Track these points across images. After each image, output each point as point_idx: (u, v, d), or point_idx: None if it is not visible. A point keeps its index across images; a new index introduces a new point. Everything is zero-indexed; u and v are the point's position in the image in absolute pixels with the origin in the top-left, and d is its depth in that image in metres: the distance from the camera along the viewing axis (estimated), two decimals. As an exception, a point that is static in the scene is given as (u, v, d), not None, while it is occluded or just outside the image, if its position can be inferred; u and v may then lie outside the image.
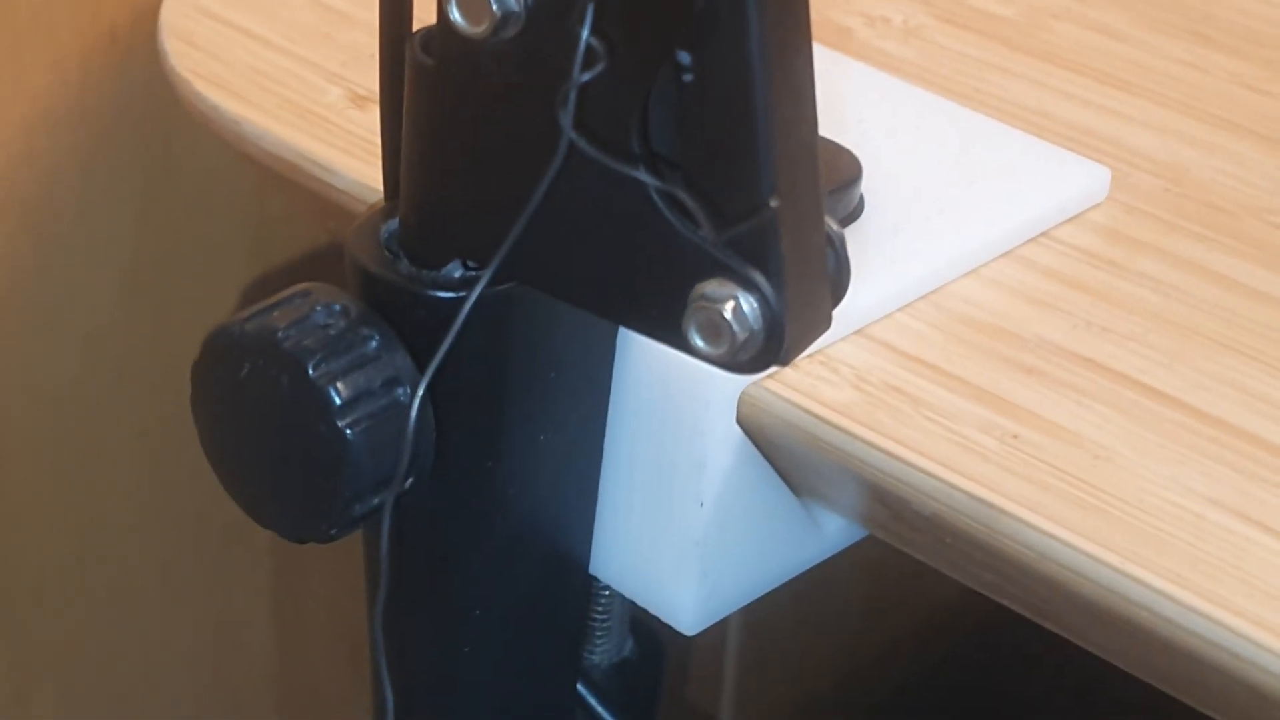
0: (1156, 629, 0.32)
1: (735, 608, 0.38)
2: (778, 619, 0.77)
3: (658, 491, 0.36)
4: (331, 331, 0.32)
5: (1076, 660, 0.83)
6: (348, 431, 0.32)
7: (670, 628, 0.38)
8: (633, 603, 0.41)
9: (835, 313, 0.32)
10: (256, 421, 0.33)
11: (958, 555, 0.35)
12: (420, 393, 0.32)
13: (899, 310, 0.37)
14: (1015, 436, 0.34)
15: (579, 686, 0.40)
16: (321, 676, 0.58)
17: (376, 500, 0.33)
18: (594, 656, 0.40)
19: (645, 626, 0.41)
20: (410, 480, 0.33)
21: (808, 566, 0.39)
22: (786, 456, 0.36)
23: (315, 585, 0.56)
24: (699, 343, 0.32)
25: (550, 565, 0.37)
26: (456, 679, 0.38)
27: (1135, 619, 0.32)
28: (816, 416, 0.35)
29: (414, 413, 0.32)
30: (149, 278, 0.49)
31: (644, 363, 0.35)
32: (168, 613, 0.53)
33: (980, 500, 0.33)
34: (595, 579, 0.38)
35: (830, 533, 0.39)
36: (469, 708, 0.38)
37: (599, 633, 0.40)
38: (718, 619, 0.38)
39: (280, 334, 0.32)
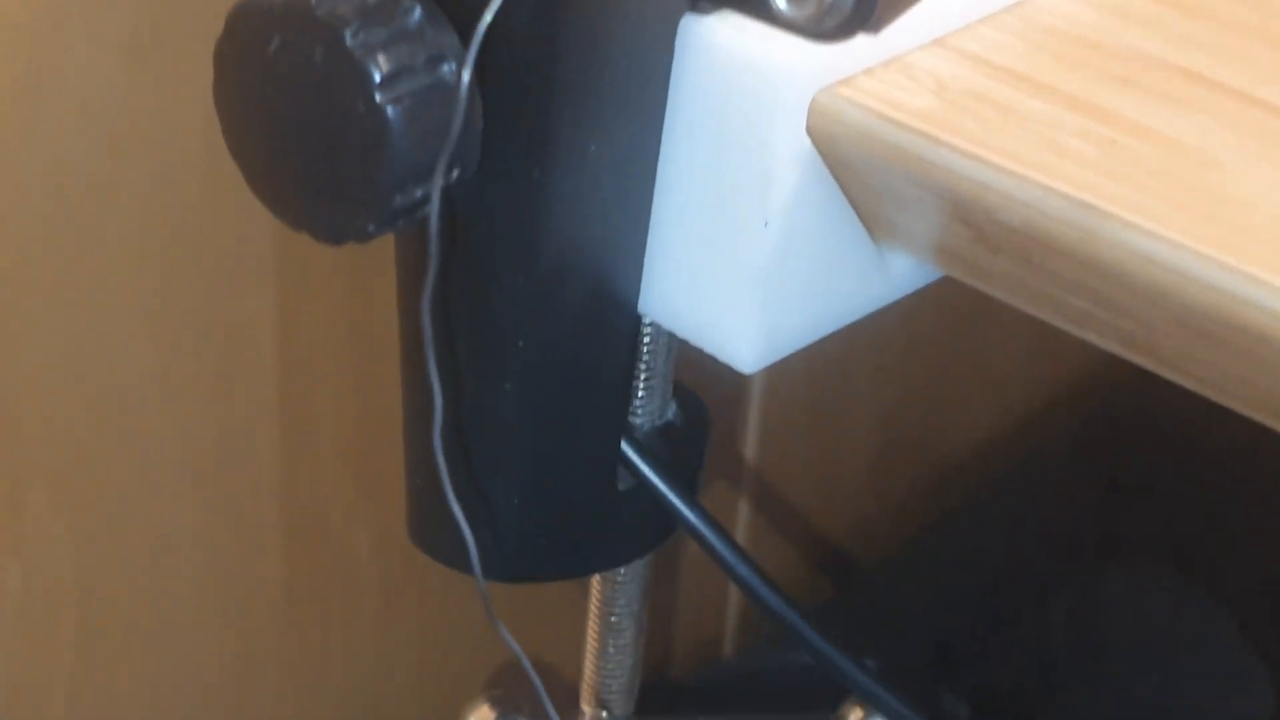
0: (1272, 334, 0.29)
1: (795, 348, 0.35)
2: (789, 467, 0.75)
3: (717, 214, 0.33)
4: (370, 1, 0.29)
5: (1087, 515, 0.81)
6: (388, 109, 0.29)
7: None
8: (676, 368, 0.38)
9: (912, 20, 0.30)
10: (287, 105, 0.30)
11: (1044, 278, 0.32)
12: (467, 71, 0.29)
13: (981, 21, 0.34)
14: (1113, 143, 0.32)
15: (623, 443, 0.37)
16: (327, 493, 0.55)
17: (419, 192, 0.30)
18: (637, 419, 0.38)
19: (688, 392, 0.39)
20: (456, 173, 0.30)
21: (871, 309, 0.36)
22: (859, 174, 0.33)
23: (323, 396, 0.53)
24: (781, 4, 0.29)
25: (597, 300, 0.34)
26: (498, 420, 0.35)
27: (1248, 324, 0.29)
28: (894, 123, 0.32)
29: (461, 92, 0.29)
30: (151, 44, 0.45)
31: (706, 67, 0.32)
32: (167, 416, 0.50)
33: (1077, 202, 0.30)
34: (644, 319, 0.36)
35: (898, 274, 0.36)
36: (511, 453, 0.35)
37: (641, 393, 0.38)
38: (777, 358, 0.35)
39: (314, 1, 0.29)
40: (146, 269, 0.48)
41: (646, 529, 0.39)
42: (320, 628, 0.57)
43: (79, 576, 0.50)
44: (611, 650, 0.42)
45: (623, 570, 0.41)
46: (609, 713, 0.44)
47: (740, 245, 0.33)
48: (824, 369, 0.74)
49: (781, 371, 0.72)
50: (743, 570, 0.38)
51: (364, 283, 0.52)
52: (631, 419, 0.38)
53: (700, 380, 0.39)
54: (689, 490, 0.38)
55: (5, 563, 0.48)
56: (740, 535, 0.73)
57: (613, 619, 0.42)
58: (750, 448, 0.72)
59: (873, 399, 0.78)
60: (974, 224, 0.32)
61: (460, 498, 0.33)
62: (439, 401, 0.31)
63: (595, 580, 0.42)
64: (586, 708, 0.44)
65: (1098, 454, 0.86)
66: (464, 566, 0.34)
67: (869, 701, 0.42)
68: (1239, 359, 0.30)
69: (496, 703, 0.46)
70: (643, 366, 0.37)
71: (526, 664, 0.35)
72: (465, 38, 0.30)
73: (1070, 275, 0.32)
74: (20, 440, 0.47)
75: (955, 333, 0.80)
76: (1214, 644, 0.68)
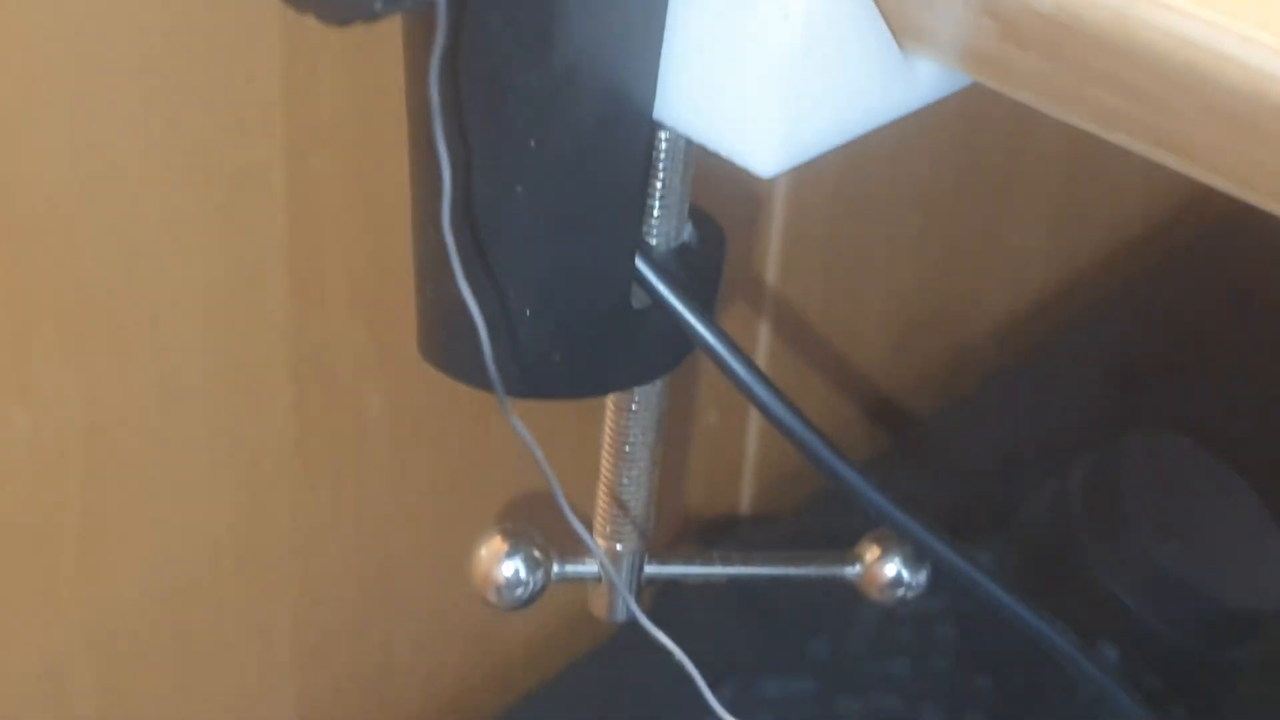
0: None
1: (814, 153, 0.34)
2: (803, 356, 0.74)
3: (736, 6, 0.32)
4: None
5: (1106, 396, 0.80)
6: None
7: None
8: (692, 188, 0.38)
9: None
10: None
11: (1074, 73, 0.31)
12: None
13: None
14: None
15: (638, 260, 0.36)
16: (338, 346, 0.54)
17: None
18: (652, 240, 0.37)
19: (705, 215, 0.38)
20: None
21: (894, 117, 0.35)
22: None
23: (333, 246, 0.52)
24: None
25: (611, 101, 0.34)
26: (509, 225, 0.34)
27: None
28: (920, -92, 0.31)
29: None
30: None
31: None
32: (174, 260, 0.49)
33: (1112, -19, 0.29)
34: (660, 129, 0.35)
35: (922, 80, 0.35)
36: (522, 260, 0.35)
37: (657, 212, 0.37)
38: (796, 163, 0.34)
39: None
40: (153, 108, 0.47)
41: (663, 349, 0.38)
42: (331, 483, 0.56)
43: (87, 421, 0.49)
44: (625, 482, 0.42)
45: (637, 398, 0.40)
46: (622, 546, 0.43)
47: (759, 38, 0.32)
48: (839, 252, 0.73)
49: (796, 254, 0.71)
50: (760, 391, 0.37)
51: (374, 129, 0.51)
52: (647, 239, 0.37)
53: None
54: (705, 310, 0.37)
55: (12, 407, 0.48)
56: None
57: (626, 449, 0.41)
58: (762, 348, 0.72)
59: (889, 279, 0.77)
60: (1003, 15, 0.31)
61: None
62: (448, 175, 0.30)
63: (609, 410, 0.41)
64: (600, 541, 0.43)
65: (1117, 336, 0.85)
66: (476, 376, 0.34)
67: (890, 523, 0.42)
68: (1274, 146, 0.29)
69: (508, 535, 0.46)
70: (658, 183, 0.36)
71: (540, 456, 0.35)
72: None
73: (1102, 66, 0.31)
74: (27, 280, 0.47)
75: (972, 213, 0.80)
76: (1234, 514, 0.67)
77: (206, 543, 0.54)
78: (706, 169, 0.36)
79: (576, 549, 0.44)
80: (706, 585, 0.70)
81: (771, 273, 0.68)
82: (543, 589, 0.46)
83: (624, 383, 0.39)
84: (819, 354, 0.74)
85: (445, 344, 0.38)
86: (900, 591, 0.49)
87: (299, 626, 0.58)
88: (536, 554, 0.45)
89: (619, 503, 0.43)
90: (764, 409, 0.36)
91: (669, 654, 0.67)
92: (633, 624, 0.69)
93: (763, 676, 0.67)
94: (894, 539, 0.48)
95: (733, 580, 0.48)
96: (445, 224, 0.30)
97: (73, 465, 0.50)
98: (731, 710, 0.65)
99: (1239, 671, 0.67)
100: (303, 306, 0.52)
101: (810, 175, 0.65)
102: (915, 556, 0.48)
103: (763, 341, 0.70)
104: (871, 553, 0.48)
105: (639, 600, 0.46)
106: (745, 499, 0.76)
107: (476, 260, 0.33)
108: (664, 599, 0.71)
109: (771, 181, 0.64)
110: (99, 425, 0.50)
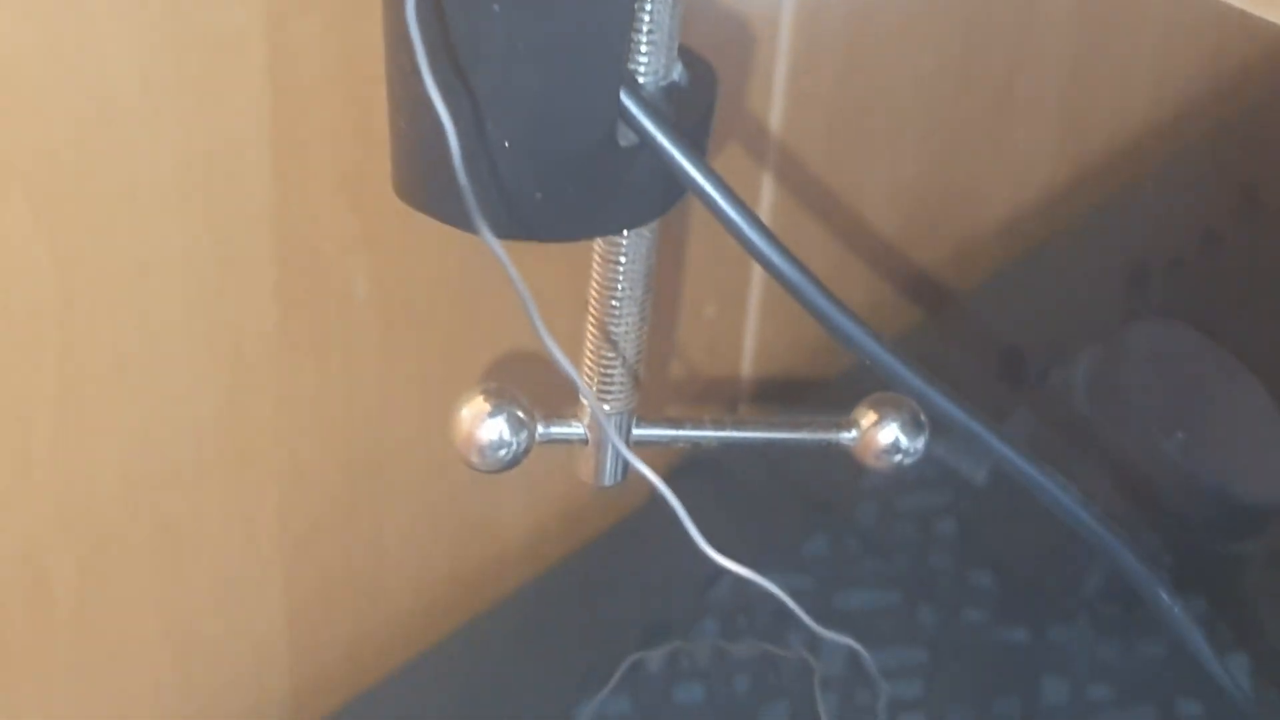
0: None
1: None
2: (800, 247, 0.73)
3: None
4: None
5: (1109, 294, 0.79)
6: None
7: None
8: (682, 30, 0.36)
9: None
10: None
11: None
12: None
13: None
14: None
15: (623, 95, 0.34)
16: (322, 224, 0.53)
17: None
18: (640, 77, 0.35)
19: (695, 53, 0.36)
20: None
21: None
22: None
23: (316, 118, 0.51)
24: None
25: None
26: (487, 48, 0.32)
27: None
28: None
29: None
30: None
31: None
32: (150, 130, 0.48)
33: None
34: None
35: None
36: (500, 88, 0.33)
37: (645, 48, 0.35)
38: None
39: None
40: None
41: (651, 191, 0.37)
42: (316, 367, 0.55)
43: (61, 296, 0.48)
44: (613, 338, 0.40)
45: (625, 250, 0.38)
46: (610, 405, 0.42)
47: None
48: (838, 146, 0.71)
49: (794, 145, 0.69)
50: (748, 230, 0.35)
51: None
52: (634, 76, 0.35)
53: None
54: (695, 149, 0.35)
55: (-17, 281, 0.46)
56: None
57: (613, 303, 0.40)
58: (766, 206, 0.70)
59: (890, 173, 0.75)
60: None
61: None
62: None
63: (595, 262, 0.39)
64: (587, 401, 0.42)
65: (1124, 233, 0.83)
66: (451, 209, 0.32)
67: (890, 376, 0.40)
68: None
69: (491, 395, 0.44)
70: (646, 16, 0.35)
71: (521, 286, 0.33)
72: None
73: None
74: (-5, 146, 0.45)
75: (975, 106, 0.78)
76: (1241, 406, 0.66)
77: (187, 426, 0.53)
78: (703, 10, 0.35)
79: (562, 411, 0.43)
80: (704, 484, 0.69)
81: (775, 122, 0.66)
82: (527, 450, 0.45)
83: (610, 226, 0.37)
84: (821, 227, 0.73)
85: (420, 176, 0.36)
86: (897, 458, 0.47)
87: (285, 515, 0.57)
88: (520, 415, 0.44)
89: (605, 360, 0.41)
90: (752, 249, 0.35)
91: (663, 547, 0.66)
92: (626, 521, 0.68)
93: (760, 574, 0.65)
94: (891, 404, 0.46)
95: (725, 444, 0.47)
96: (411, 19, 0.28)
97: (47, 341, 0.48)
98: (727, 607, 0.65)
99: (1248, 564, 0.66)
100: (285, 183, 0.51)
101: (814, 36, 0.64)
102: (913, 422, 0.46)
103: (766, 199, 0.69)
104: (868, 418, 0.46)
105: (625, 466, 0.45)
106: (743, 396, 0.75)
107: (450, 80, 0.32)
108: (659, 503, 0.69)
109: (774, 35, 0.63)
110: (73, 300, 0.48)
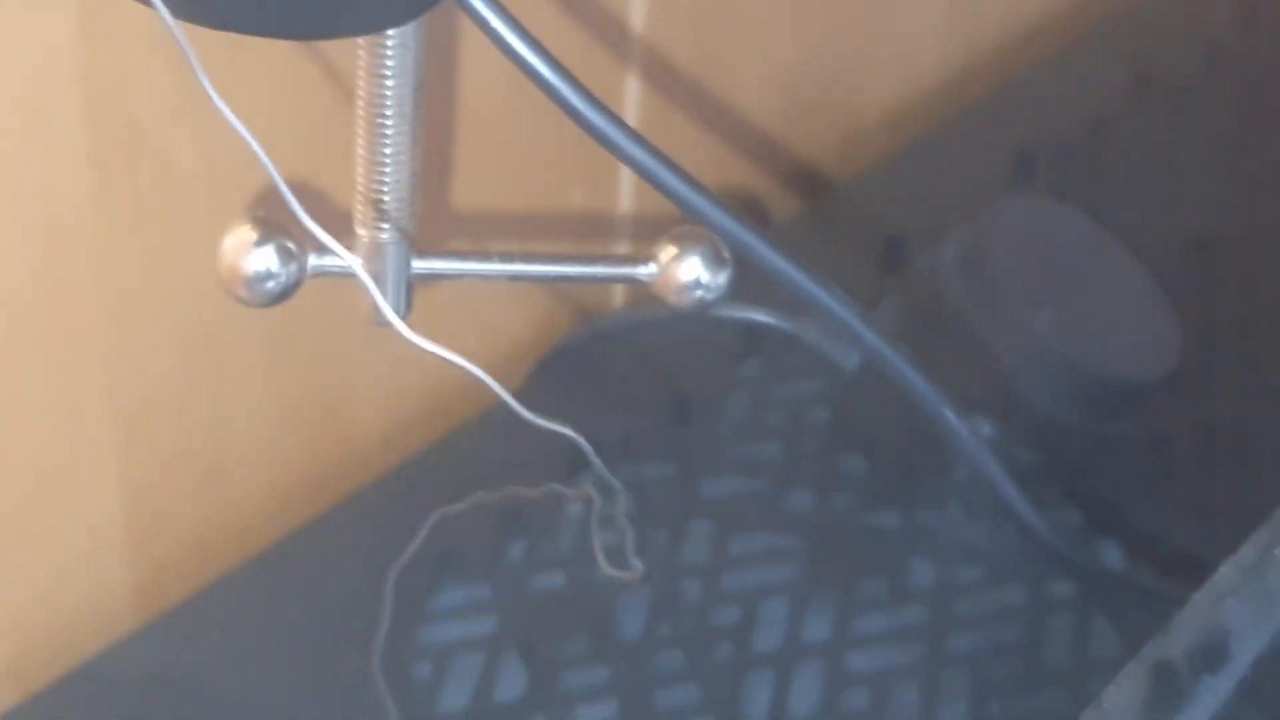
0: None
1: None
2: (673, 130, 0.71)
3: None
4: None
5: (998, 182, 0.77)
6: None
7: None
8: None
9: None
10: None
11: None
12: None
13: None
14: None
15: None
16: (137, 86, 0.50)
17: None
18: None
19: None
20: None
21: None
22: None
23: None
24: None
25: None
26: None
27: None
28: None
29: None
30: None
31: None
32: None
33: None
34: None
35: None
36: None
37: None
38: None
39: None
40: None
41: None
42: (139, 240, 0.53)
43: None
44: (383, 159, 0.38)
45: (390, 61, 0.36)
46: (385, 234, 0.40)
47: None
48: (708, 36, 0.69)
49: (659, 39, 0.67)
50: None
51: None
52: None
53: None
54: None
55: None
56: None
57: (381, 122, 0.37)
58: (631, 105, 0.68)
59: (767, 50, 0.73)
60: None
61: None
62: None
63: (360, 79, 0.37)
64: (361, 230, 0.40)
65: (1014, 121, 0.82)
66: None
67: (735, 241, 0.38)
68: None
69: (259, 224, 0.42)
70: None
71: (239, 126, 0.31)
72: None
73: None
74: None
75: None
76: (1117, 285, 0.64)
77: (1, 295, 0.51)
78: None
79: (341, 241, 0.41)
80: (571, 375, 0.67)
81: (637, 19, 0.64)
82: (297, 283, 0.43)
83: (357, 24, 0.35)
84: (695, 122, 0.71)
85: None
86: (699, 294, 0.45)
87: (114, 395, 0.55)
88: (290, 245, 0.42)
89: (378, 183, 0.39)
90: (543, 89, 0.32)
91: (532, 433, 0.64)
92: (500, 407, 0.66)
93: (626, 461, 0.64)
94: (692, 238, 0.44)
95: (514, 278, 0.45)
96: None
97: None
98: (597, 490, 0.63)
99: (1120, 446, 0.64)
100: (92, 38, 0.48)
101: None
102: (715, 257, 0.44)
103: (631, 98, 0.66)
104: (668, 252, 0.44)
105: (409, 299, 0.43)
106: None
107: None
108: (533, 389, 0.68)
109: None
110: None
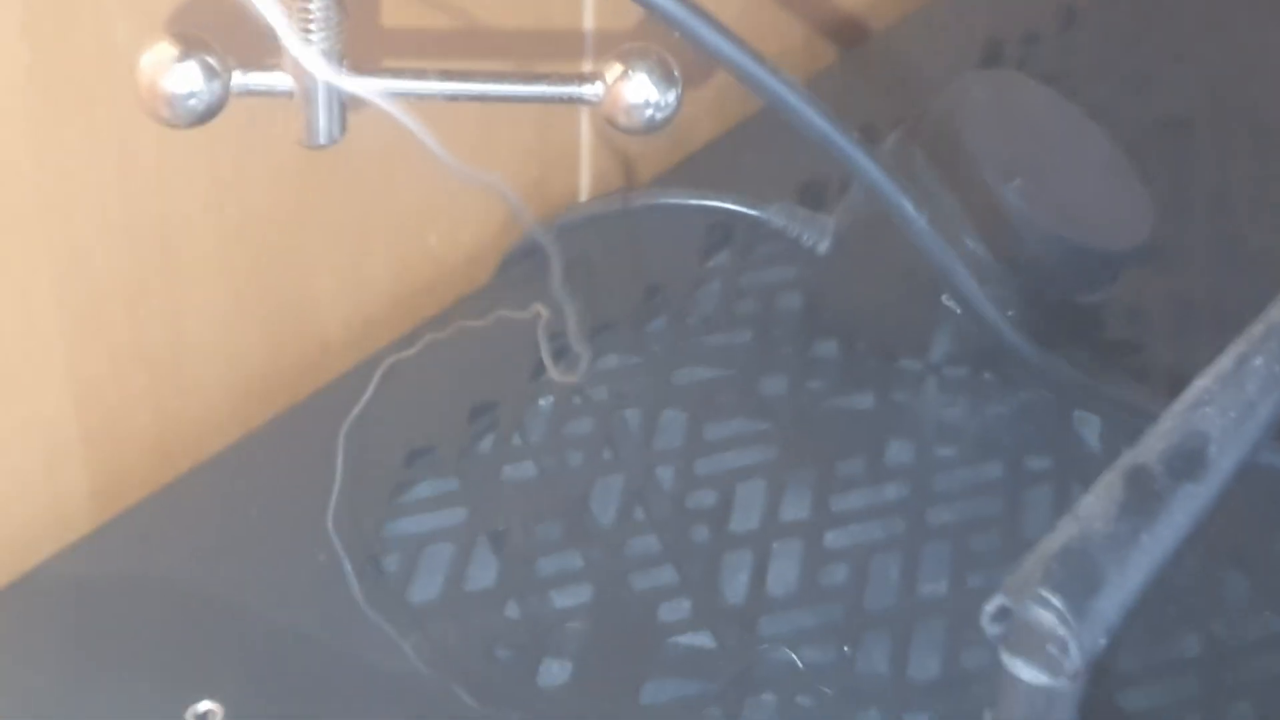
0: None
1: None
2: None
3: None
4: None
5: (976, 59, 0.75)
6: None
7: None
8: None
9: None
10: None
11: None
12: None
13: None
14: None
15: None
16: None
17: None
18: None
19: None
20: None
21: None
22: None
23: None
24: None
25: None
26: None
27: None
28: None
29: None
30: None
31: None
32: None
33: None
34: None
35: None
36: None
37: None
38: None
39: None
40: None
41: None
42: (82, 121, 0.51)
43: None
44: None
45: None
46: (313, 48, 0.38)
47: None
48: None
49: None
50: None
51: None
52: None
53: None
54: None
55: None
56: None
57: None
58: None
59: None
60: None
61: None
62: None
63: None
64: (288, 44, 0.38)
65: (985, 10, 0.81)
66: None
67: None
68: None
69: (179, 40, 0.40)
70: None
71: None
72: None
73: None
74: None
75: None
76: (1085, 154, 0.63)
77: (-64, 183, 0.49)
78: None
79: (264, 60, 0.39)
80: (539, 268, 0.65)
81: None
82: (222, 102, 0.41)
83: None
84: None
85: None
86: (649, 114, 0.43)
87: (63, 289, 0.53)
88: (212, 62, 0.40)
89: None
90: None
91: (501, 333, 0.62)
92: (465, 300, 0.65)
93: (600, 353, 0.62)
94: (640, 55, 0.43)
95: (452, 98, 0.43)
96: None
97: None
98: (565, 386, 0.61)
99: (1098, 316, 0.63)
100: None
101: None
102: (664, 74, 0.43)
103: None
104: (614, 71, 0.42)
105: (342, 120, 0.41)
106: (585, 181, 0.72)
107: None
108: (498, 286, 0.66)
109: None
110: None
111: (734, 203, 0.66)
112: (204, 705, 0.49)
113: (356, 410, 0.58)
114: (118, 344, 0.56)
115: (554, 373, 0.55)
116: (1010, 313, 0.59)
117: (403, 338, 0.62)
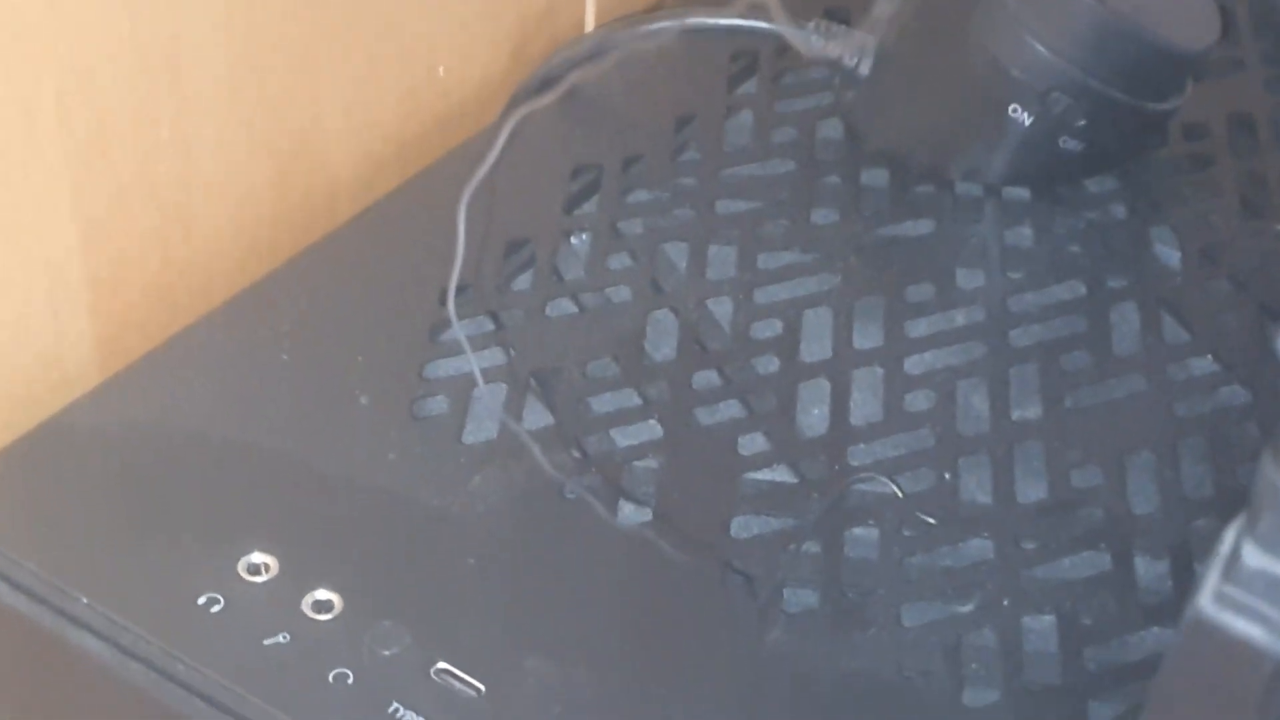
0: None
1: None
2: None
3: None
4: None
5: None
6: None
7: None
8: None
9: None
10: None
11: None
12: None
13: None
14: None
15: None
16: None
17: None
18: None
19: None
20: None
21: None
22: None
23: None
24: None
25: None
26: None
27: None
28: None
29: None
30: None
31: None
32: None
33: None
34: None
35: None
36: None
37: None
38: None
39: None
40: None
41: None
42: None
43: None
44: None
45: None
46: None
47: None
48: None
49: None
50: None
51: None
52: None
53: None
54: None
55: None
56: None
57: None
58: None
59: None
60: None
61: None
62: None
63: None
64: None
65: None
66: None
67: None
68: None
69: None
70: None
71: None
72: None
73: None
74: None
75: None
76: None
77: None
78: None
79: None
80: (567, 106, 0.61)
81: None
82: None
83: None
84: None
85: None
86: None
87: (68, 108, 0.48)
88: None
89: None
90: None
91: (511, 162, 0.58)
92: (469, 144, 0.60)
93: (628, 188, 0.58)
94: None
95: None
96: None
97: None
98: (602, 217, 0.57)
99: (1166, 128, 0.59)
100: None
101: None
102: None
103: None
104: None
105: None
106: (590, 13, 0.67)
107: None
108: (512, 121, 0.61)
109: None
110: None
111: (766, 20, 0.61)
112: (257, 557, 0.44)
113: (373, 255, 0.53)
114: (124, 176, 0.50)
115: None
116: (1081, 122, 0.55)
117: (417, 176, 0.57)
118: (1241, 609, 0.27)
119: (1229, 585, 0.27)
